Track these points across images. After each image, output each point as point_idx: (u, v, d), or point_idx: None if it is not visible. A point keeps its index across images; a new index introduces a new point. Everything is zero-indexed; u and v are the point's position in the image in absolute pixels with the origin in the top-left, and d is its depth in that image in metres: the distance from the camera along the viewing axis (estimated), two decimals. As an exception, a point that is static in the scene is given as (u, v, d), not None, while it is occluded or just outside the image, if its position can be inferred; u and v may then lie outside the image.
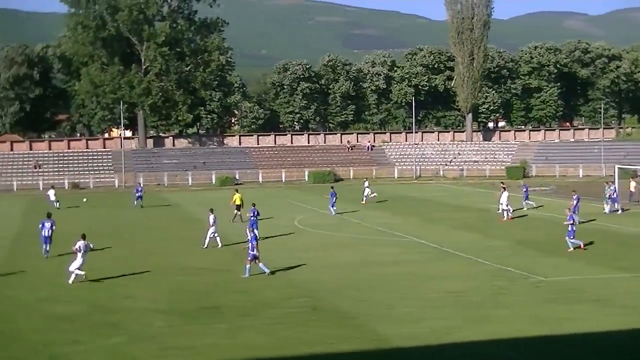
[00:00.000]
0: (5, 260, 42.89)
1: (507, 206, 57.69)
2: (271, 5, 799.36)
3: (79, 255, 35.40)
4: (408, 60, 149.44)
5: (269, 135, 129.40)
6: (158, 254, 43.89)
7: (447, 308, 29.56)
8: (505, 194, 57.93)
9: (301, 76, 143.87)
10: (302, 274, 37.01)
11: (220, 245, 45.14)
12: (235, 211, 58.96)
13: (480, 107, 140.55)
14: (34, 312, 30.16)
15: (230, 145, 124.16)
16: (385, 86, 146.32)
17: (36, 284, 35.39)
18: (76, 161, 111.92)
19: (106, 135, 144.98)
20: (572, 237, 42.19)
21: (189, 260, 41.09)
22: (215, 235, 45.59)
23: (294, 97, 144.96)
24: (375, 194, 73.24)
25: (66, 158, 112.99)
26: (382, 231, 52.08)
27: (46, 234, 43.11)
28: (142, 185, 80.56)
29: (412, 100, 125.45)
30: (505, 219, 57.06)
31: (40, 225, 43.46)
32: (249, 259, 36.18)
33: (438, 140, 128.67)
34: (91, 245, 36.48)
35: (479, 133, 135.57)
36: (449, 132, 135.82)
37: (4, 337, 26.61)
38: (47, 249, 42.97)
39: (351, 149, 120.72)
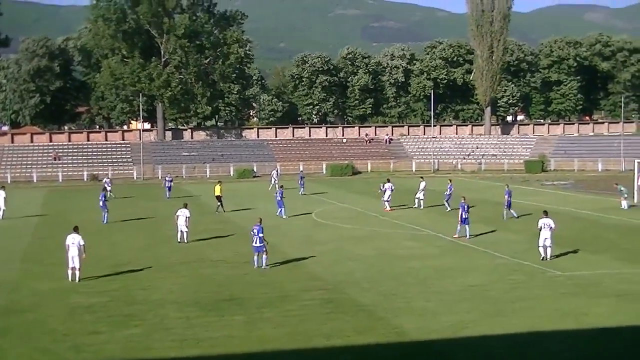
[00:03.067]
0: (26, 251, 43.25)
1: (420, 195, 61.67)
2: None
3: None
4: (427, 54, 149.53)
5: (288, 128, 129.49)
6: (176, 246, 44.00)
7: (465, 302, 29.54)
8: (423, 184, 61.91)
9: (320, 69, 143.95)
10: (320, 267, 37.06)
11: (184, 241, 44.63)
12: (218, 202, 61.65)
13: (499, 101, 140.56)
14: (55, 302, 30.37)
15: (248, 138, 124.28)
16: (404, 79, 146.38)
17: (57, 275, 35.49)
18: (95, 153, 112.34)
19: (125, 127, 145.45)
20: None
21: (207, 252, 41.18)
22: (185, 230, 44.81)
23: (312, 90, 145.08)
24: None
25: (85, 150, 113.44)
26: (399, 224, 52.06)
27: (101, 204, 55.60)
28: (171, 176, 79.67)
29: (430, 93, 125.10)
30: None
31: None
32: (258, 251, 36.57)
33: (456, 133, 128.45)
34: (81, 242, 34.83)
35: (498, 127, 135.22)
36: (467, 125, 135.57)
37: (26, 326, 26.87)
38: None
39: (369, 142, 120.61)
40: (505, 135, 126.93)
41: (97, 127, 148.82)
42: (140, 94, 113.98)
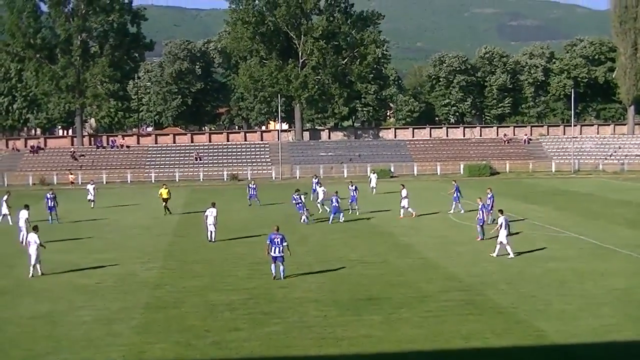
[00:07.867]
0: (167, 249, 44.35)
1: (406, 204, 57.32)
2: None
3: (32, 248, 35.51)
4: (567, 52, 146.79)
5: (425, 128, 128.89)
6: (313, 245, 44.38)
7: (608, 306, 28.83)
8: (404, 192, 57.31)
9: (457, 68, 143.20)
10: (458, 268, 36.76)
11: (212, 240, 45.67)
12: (164, 204, 62.29)
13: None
14: (195, 299, 31.10)
15: (385, 138, 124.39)
16: (543, 78, 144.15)
17: (198, 272, 36.53)
18: (235, 153, 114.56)
19: (264, 128, 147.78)
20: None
21: (344, 252, 41.35)
22: (213, 230, 45.83)
23: (449, 90, 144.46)
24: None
25: (225, 150, 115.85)
26: (539, 226, 51.18)
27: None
28: (254, 184, 71.60)
29: (571, 92, 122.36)
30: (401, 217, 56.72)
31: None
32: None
33: (598, 133, 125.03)
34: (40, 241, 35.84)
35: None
36: (609, 125, 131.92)
37: (169, 322, 27.61)
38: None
39: (507, 142, 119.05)
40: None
41: (237, 127, 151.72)
42: (279, 95, 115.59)
